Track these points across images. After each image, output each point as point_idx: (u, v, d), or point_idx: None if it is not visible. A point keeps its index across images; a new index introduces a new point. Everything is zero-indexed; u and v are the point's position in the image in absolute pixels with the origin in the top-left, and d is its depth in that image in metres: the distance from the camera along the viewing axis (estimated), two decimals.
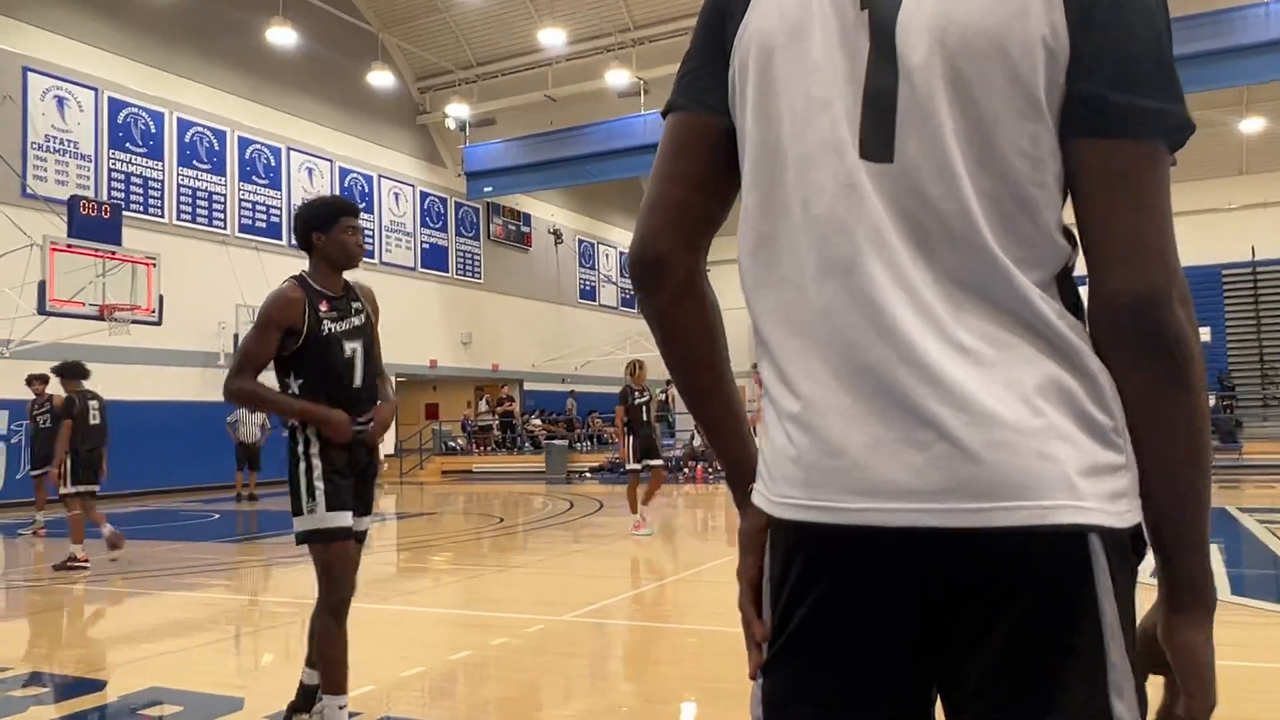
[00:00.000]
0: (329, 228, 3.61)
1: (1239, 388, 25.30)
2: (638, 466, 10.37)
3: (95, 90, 17.57)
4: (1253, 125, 24.74)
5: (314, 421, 3.56)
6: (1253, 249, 25.56)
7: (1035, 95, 1.03)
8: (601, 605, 6.58)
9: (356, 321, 3.69)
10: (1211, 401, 21.16)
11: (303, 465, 3.60)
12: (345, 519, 3.59)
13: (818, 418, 1.12)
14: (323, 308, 3.59)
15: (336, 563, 3.61)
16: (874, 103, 1.10)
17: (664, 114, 1.30)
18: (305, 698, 3.92)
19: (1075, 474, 1.02)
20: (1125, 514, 1.05)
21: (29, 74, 16.49)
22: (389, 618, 6.31)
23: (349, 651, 3.81)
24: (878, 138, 1.09)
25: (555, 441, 22.64)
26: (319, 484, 3.59)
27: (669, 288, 1.29)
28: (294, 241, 3.77)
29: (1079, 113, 1.04)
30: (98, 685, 4.75)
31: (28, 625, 6.57)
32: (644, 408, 10.73)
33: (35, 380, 11.62)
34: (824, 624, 1.14)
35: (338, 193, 22.44)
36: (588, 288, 32.39)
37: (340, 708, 3.61)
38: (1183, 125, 1.04)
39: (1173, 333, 1.03)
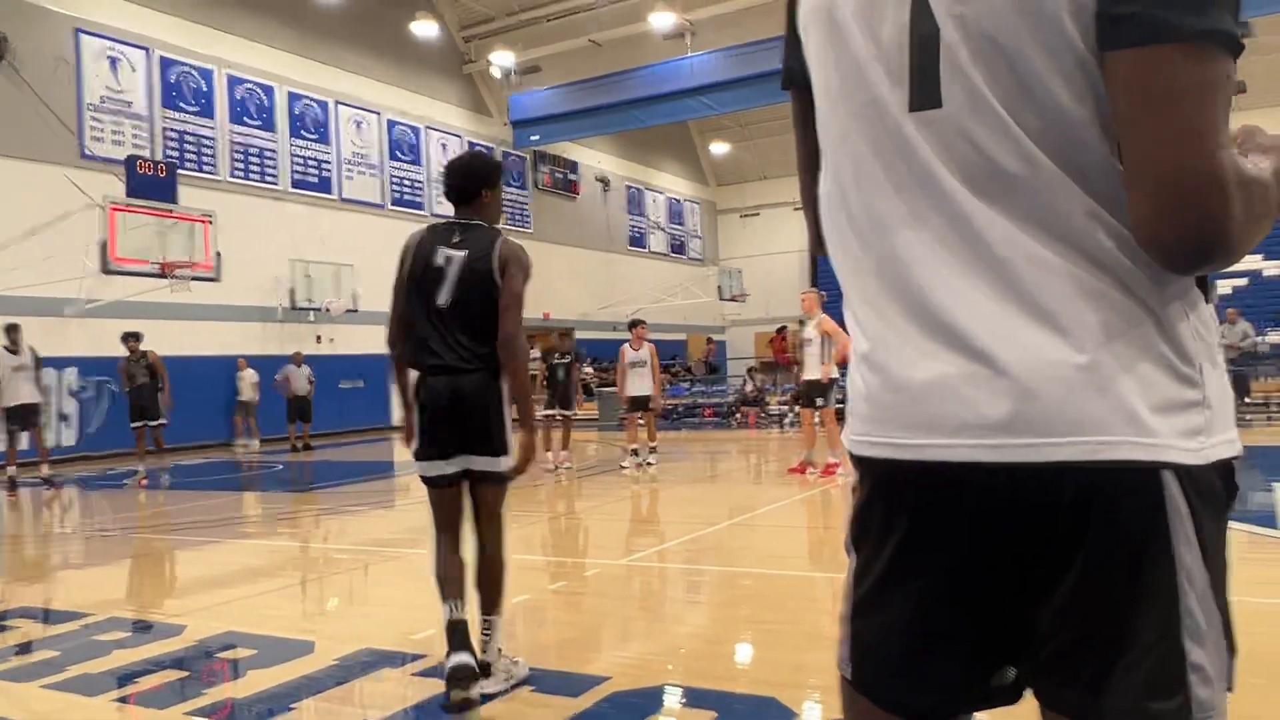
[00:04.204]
0: (501, 179, 3.88)
1: None
2: (551, 413, 12.14)
3: (146, 50, 17.70)
4: None
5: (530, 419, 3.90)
6: None
7: (1067, 29, 1.00)
8: (657, 550, 6.65)
9: None
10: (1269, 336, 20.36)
11: (508, 417, 3.76)
12: None
13: (883, 358, 1.14)
14: None
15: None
16: (918, 55, 1.09)
17: (784, 86, 1.36)
18: (465, 634, 3.68)
19: (1144, 409, 1.00)
20: (1205, 450, 1.02)
21: (81, 35, 16.65)
22: None
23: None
24: (924, 87, 1.09)
25: (608, 389, 22.68)
26: (508, 424, 3.79)
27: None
28: (455, 187, 3.81)
29: (1104, 32, 0.99)
30: (176, 630, 4.92)
31: (106, 573, 6.80)
32: (560, 368, 12.42)
33: (130, 338, 12.05)
34: (903, 568, 1.14)
35: (386, 149, 22.58)
36: (636, 235, 32.22)
37: (500, 620, 3.85)
38: (1210, 30, 0.93)
39: (1193, 253, 0.96)
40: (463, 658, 3.55)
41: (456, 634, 3.61)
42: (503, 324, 3.63)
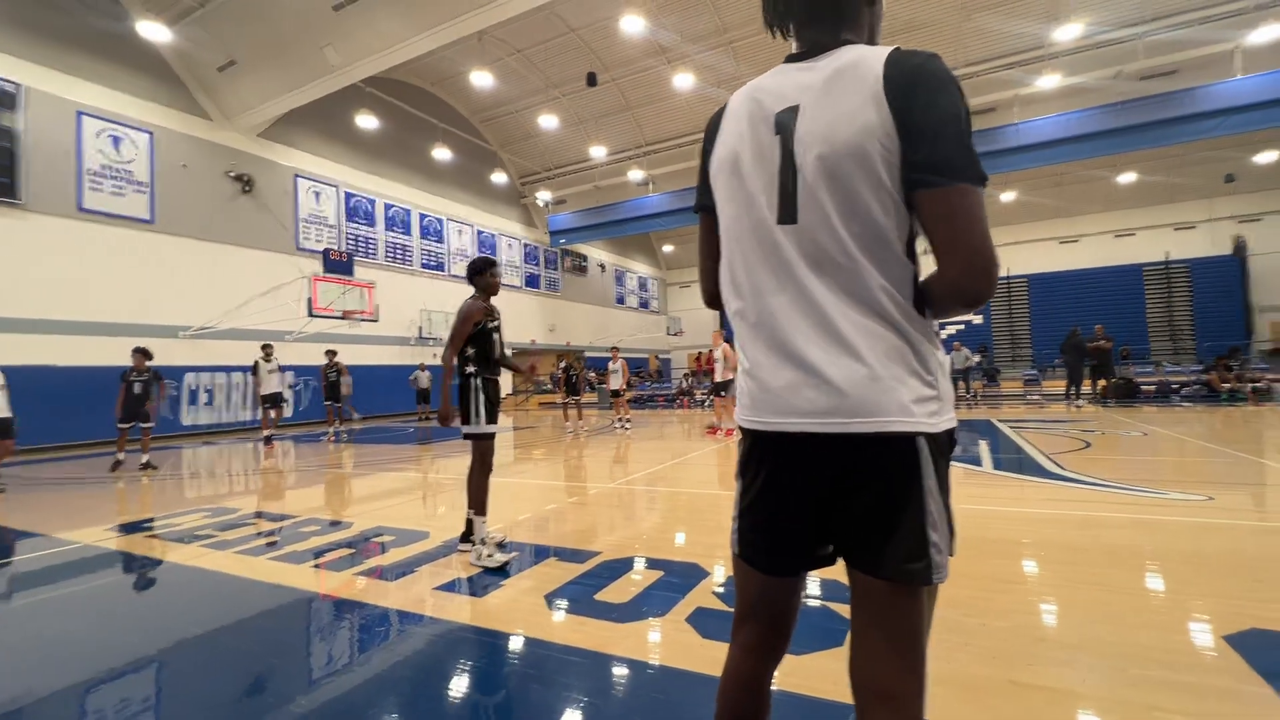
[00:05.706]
0: (488, 271, 3.86)
1: (996, 350, 24.91)
2: (566, 400, 12.11)
3: (336, 186, 17.41)
4: (1008, 196, 24.18)
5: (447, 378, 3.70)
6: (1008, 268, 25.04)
7: (881, 175, 1.02)
8: (631, 478, 6.62)
9: (497, 323, 3.90)
10: (978, 358, 20.68)
11: (473, 397, 3.74)
12: (495, 428, 3.78)
13: (758, 373, 1.13)
14: (486, 314, 3.81)
15: (490, 450, 3.81)
16: (784, 190, 1.09)
17: (694, 210, 1.34)
18: (470, 530, 4.01)
19: (909, 402, 1.02)
20: (940, 424, 1.04)
21: (298, 178, 16.38)
22: (509, 486, 6.35)
23: (489, 504, 3.88)
24: (787, 210, 1.09)
25: (602, 385, 22.58)
26: (483, 409, 3.73)
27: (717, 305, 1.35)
28: (466, 277, 3.89)
29: (914, 179, 1.01)
30: (347, 524, 4.83)
31: (307, 491, 6.68)
32: (573, 375, 12.32)
33: (331, 353, 12.07)
34: (767, 490, 1.15)
35: (476, 247, 22.39)
36: (620, 297, 32.06)
37: (483, 521, 3.76)
38: (976, 176, 0.99)
39: (984, 298, 1.01)
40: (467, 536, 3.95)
41: (467, 524, 3.96)
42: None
